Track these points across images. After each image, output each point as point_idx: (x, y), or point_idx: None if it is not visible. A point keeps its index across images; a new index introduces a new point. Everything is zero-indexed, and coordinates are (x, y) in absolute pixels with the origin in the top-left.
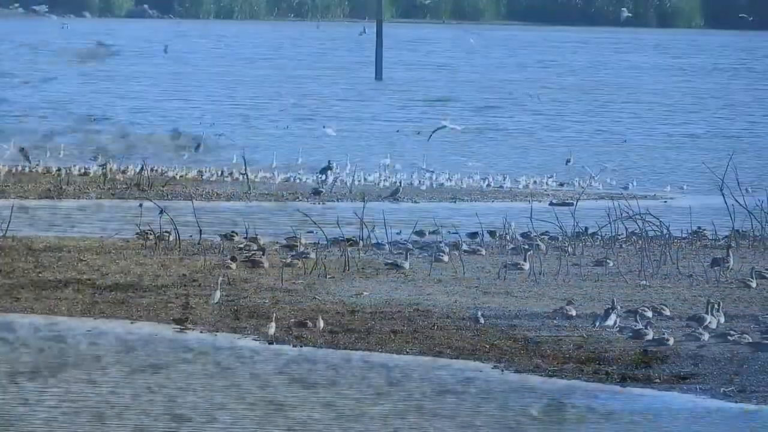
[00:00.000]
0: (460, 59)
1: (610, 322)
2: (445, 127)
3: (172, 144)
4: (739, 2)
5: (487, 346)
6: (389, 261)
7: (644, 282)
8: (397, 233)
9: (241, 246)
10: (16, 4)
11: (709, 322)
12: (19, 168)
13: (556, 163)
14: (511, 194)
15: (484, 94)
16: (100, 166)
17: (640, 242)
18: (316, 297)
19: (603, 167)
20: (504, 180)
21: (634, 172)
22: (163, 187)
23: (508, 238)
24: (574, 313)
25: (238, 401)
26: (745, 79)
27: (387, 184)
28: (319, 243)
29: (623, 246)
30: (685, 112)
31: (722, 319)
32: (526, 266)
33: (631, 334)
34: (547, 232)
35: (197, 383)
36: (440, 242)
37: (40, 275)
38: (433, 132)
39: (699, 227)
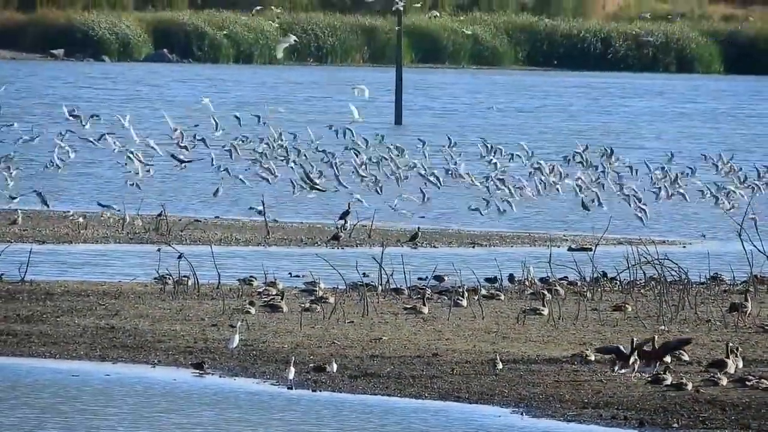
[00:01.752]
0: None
1: (628, 367)
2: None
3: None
4: (758, 49)
5: (506, 391)
6: (408, 306)
7: (663, 327)
8: (420, 279)
9: (260, 290)
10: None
11: (728, 368)
12: (37, 212)
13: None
14: (530, 239)
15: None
16: (106, 208)
17: (658, 287)
18: (335, 342)
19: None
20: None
21: (653, 216)
22: (181, 231)
23: (527, 283)
24: (593, 357)
25: None
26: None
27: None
28: (338, 288)
29: (642, 291)
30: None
31: (741, 364)
32: (545, 311)
33: (649, 379)
34: (566, 277)
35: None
36: (459, 287)
37: (58, 319)
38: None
39: (717, 272)
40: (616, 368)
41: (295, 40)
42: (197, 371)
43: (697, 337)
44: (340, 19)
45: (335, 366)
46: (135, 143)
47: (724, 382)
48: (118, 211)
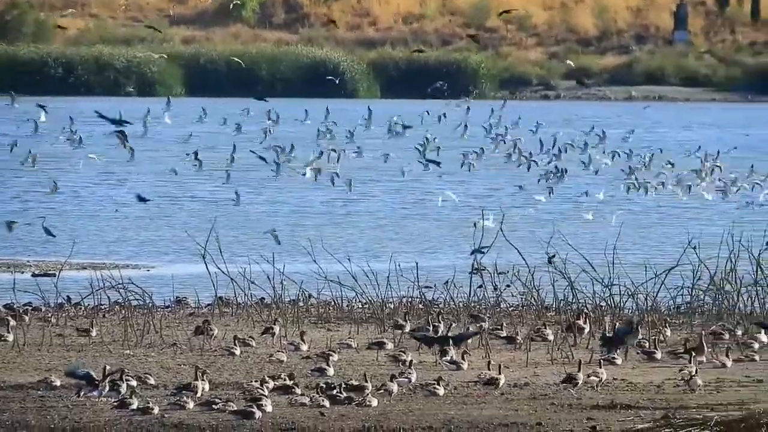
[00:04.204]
0: None
1: (96, 392)
2: None
3: None
4: (219, 73)
5: None
6: None
7: (128, 351)
8: None
9: None
10: None
11: (196, 390)
12: None
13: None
14: None
15: None
16: None
17: (123, 312)
18: None
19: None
20: None
21: (116, 240)
22: None
23: None
24: (59, 383)
25: None
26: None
27: None
28: None
29: (107, 316)
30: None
31: (207, 387)
32: (10, 337)
33: (116, 403)
34: (30, 302)
35: None
36: None
37: None
38: None
39: (182, 296)
40: (83, 393)
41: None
42: None
43: (163, 360)
44: None
45: None
46: None
47: (191, 405)
48: None
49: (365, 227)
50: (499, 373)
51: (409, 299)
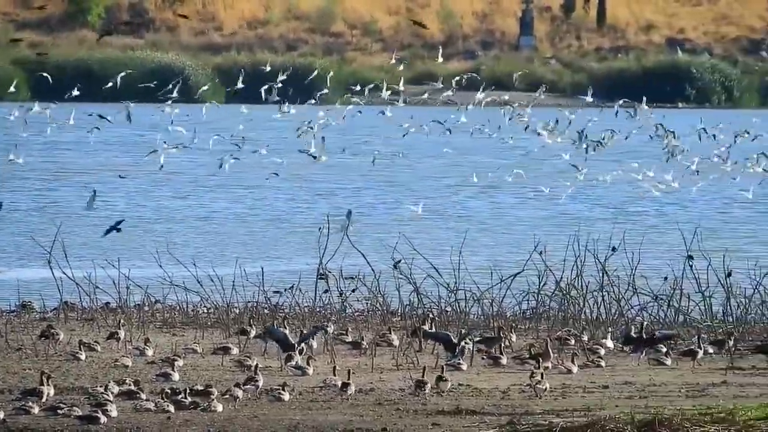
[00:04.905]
0: None
1: None
2: None
3: None
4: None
5: None
6: None
7: None
8: None
9: None
10: None
11: (41, 395)
12: None
13: None
14: None
15: None
16: None
17: None
18: None
19: None
20: None
21: None
22: None
23: None
24: None
25: None
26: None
27: None
28: None
29: None
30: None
31: (52, 392)
32: None
33: None
34: None
35: None
36: None
37: None
38: None
39: (27, 300)
40: None
41: None
42: None
43: (9, 365)
44: None
45: None
46: None
47: (36, 410)
48: None
49: (209, 232)
50: (348, 379)
51: (255, 304)
